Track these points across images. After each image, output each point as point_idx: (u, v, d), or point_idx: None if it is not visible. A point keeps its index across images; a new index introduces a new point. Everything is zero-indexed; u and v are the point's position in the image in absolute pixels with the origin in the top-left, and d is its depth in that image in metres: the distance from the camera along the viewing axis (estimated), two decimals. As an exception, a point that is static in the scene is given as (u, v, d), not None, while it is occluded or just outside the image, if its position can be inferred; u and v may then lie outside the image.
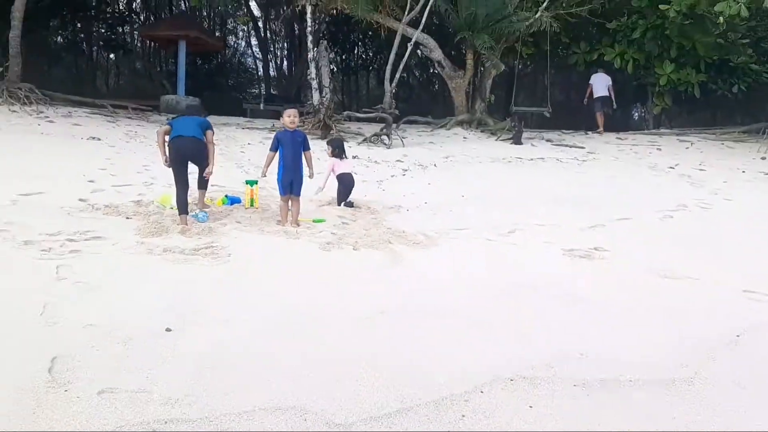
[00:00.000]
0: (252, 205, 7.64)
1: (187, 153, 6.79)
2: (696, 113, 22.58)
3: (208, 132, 6.99)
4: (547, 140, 16.14)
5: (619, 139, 16.51)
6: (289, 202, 7.08)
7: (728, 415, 3.20)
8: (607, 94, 17.48)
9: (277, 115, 18.56)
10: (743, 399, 3.38)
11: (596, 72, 18.13)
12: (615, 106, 18.16)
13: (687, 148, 15.21)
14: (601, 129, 17.27)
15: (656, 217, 8.09)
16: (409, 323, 4.31)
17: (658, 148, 15.04)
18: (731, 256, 6.51)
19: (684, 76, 17.40)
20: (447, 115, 19.21)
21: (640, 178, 11.37)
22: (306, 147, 7.19)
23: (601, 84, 17.59)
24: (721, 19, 13.35)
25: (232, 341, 3.83)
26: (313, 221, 7.34)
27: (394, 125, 15.42)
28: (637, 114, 32.35)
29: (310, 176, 7.32)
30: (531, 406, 3.19)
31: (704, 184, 10.76)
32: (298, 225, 6.95)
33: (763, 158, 13.58)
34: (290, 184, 6.98)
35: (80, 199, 7.38)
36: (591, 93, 17.78)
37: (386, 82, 16.16)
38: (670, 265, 6.02)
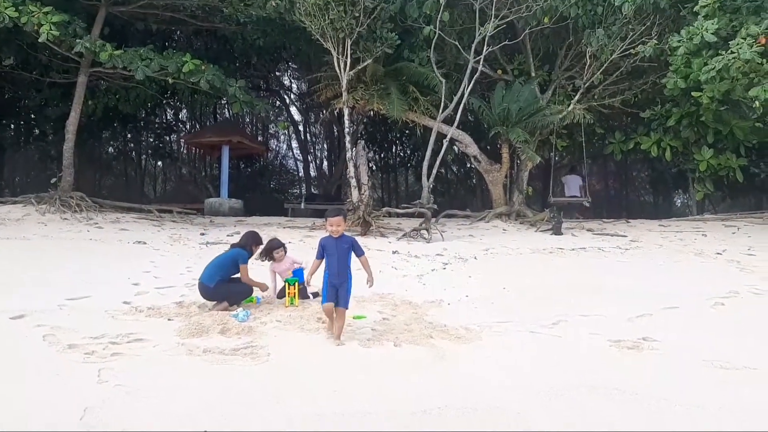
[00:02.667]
0: (292, 303, 7.65)
1: (204, 296, 7.43)
2: (740, 197, 22.28)
3: (242, 267, 7.54)
4: (588, 229, 16.00)
5: (662, 226, 16.28)
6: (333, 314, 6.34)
7: None
8: (579, 194, 18.42)
9: (319, 214, 18.98)
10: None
11: (568, 174, 19.20)
12: (589, 201, 18.78)
13: (733, 233, 14.87)
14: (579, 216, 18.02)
15: (707, 305, 7.81)
16: (453, 423, 4.15)
17: (703, 234, 14.74)
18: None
19: (724, 161, 17.29)
20: (485, 208, 19.36)
21: (686, 266, 11.08)
22: (358, 252, 6.51)
23: (573, 184, 18.65)
24: (756, 103, 13.34)
25: (271, 444, 3.73)
26: (354, 318, 7.29)
27: (433, 219, 15.54)
28: (679, 201, 32.01)
29: (370, 284, 6.65)
30: None
31: (755, 269, 10.42)
32: (340, 340, 6.23)
33: (815, 240, 13.16)
34: (336, 293, 6.30)
35: (124, 302, 7.52)
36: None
37: (423, 178, 16.42)
38: (726, 355, 5.74)
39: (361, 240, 14.02)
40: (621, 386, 4.95)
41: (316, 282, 6.86)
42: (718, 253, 12.13)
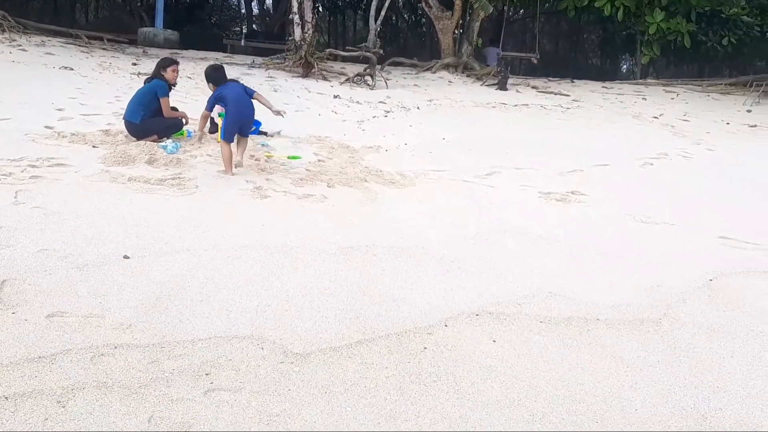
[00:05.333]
0: (225, 138, 7.39)
1: (132, 134, 6.97)
2: (683, 65, 22.42)
3: (162, 99, 7.02)
4: (533, 87, 15.92)
5: (605, 88, 16.33)
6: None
7: (697, 356, 3.15)
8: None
9: (259, 52, 18.15)
10: (713, 341, 3.33)
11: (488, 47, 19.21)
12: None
13: (672, 98, 15.07)
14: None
15: (636, 164, 8.00)
16: (378, 259, 4.20)
17: (643, 98, 14.89)
18: (709, 204, 6.45)
19: (674, 25, 17.14)
20: (433, 59, 18.86)
21: (623, 127, 11.24)
22: (250, 92, 6.41)
23: (491, 55, 18.79)
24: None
25: (192, 271, 3.70)
26: (289, 158, 7.16)
27: (378, 66, 15.08)
28: (625, 66, 32.11)
29: (276, 113, 6.62)
30: (494, 341, 3.12)
31: (687, 134, 10.67)
32: (241, 165, 6.27)
33: (749, 111, 13.49)
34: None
35: (47, 126, 7.12)
36: None
37: (371, 20, 15.75)
38: (647, 210, 5.95)
39: (301, 81, 13.64)
40: (545, 234, 5.10)
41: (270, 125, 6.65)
42: (655, 117, 12.32)
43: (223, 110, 6.38)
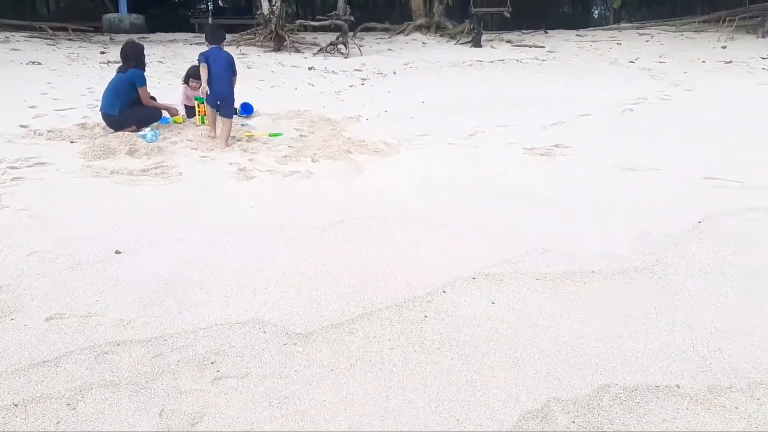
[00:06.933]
0: (203, 122, 7.32)
1: (111, 126, 6.82)
2: (655, 6, 22.28)
3: (140, 90, 6.88)
4: (507, 41, 15.81)
5: (579, 36, 16.26)
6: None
7: (692, 298, 3.20)
8: None
9: (228, 29, 17.83)
10: (707, 283, 3.38)
11: None
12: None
13: (647, 41, 15.05)
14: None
15: (617, 112, 8.02)
16: (370, 231, 4.21)
17: (618, 43, 14.86)
18: (692, 145, 6.49)
19: (643, -34, 17.00)
20: (405, 21, 18.65)
21: (600, 75, 11.23)
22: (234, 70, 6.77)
23: None
24: None
25: (186, 260, 3.69)
26: (270, 135, 7.10)
27: (350, 33, 14.90)
28: (597, 12, 31.93)
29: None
30: (493, 302, 3.15)
31: (665, 76, 10.68)
32: (228, 145, 6.52)
33: (724, 47, 13.49)
34: (217, 102, 6.63)
35: (21, 126, 7.00)
36: None
37: (339, -13, 15.50)
38: (632, 157, 5.99)
39: (274, 56, 13.46)
40: (529, 189, 5.13)
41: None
42: (631, 62, 12.31)
43: (203, 95, 6.44)
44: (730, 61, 11.86)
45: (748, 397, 2.38)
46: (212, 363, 2.63)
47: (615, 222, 4.38)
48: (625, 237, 4.08)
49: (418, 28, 17.59)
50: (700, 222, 4.33)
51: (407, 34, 17.25)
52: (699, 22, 16.82)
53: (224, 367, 2.61)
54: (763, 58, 12.02)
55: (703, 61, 11.97)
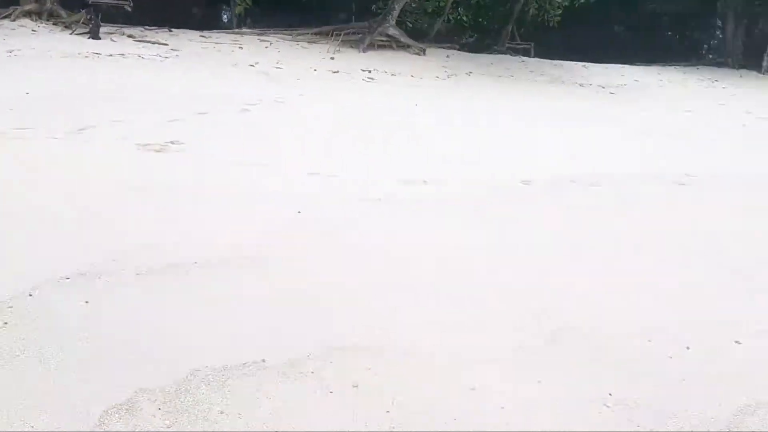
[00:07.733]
0: None
1: None
2: (277, 16, 23.67)
3: None
4: (129, 36, 15.19)
5: (204, 37, 16.43)
6: None
7: (288, 281, 3.46)
8: None
9: None
10: (302, 264, 3.69)
11: None
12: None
13: (267, 47, 15.93)
14: None
15: (234, 111, 8.32)
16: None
17: (240, 47, 15.41)
18: (297, 144, 7.07)
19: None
20: (11, 5, 16.56)
21: (222, 75, 11.52)
22: None
23: None
24: None
25: None
26: None
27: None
28: (226, 16, 32.62)
29: None
30: (87, 301, 3.00)
31: (280, 80, 11.44)
32: None
33: (332, 58, 14.99)
34: None
35: None
36: None
37: None
38: (243, 154, 6.27)
39: None
40: (143, 184, 5.01)
41: None
42: (251, 65, 12.89)
43: None
44: (337, 71, 13.25)
45: (325, 362, 2.67)
46: None
47: (223, 215, 4.52)
48: (232, 228, 4.24)
49: (27, 14, 15.79)
50: (299, 212, 4.73)
51: (14, 20, 15.35)
52: (312, 33, 18.37)
53: None
54: (363, 70, 13.71)
55: (315, 70, 13.14)
